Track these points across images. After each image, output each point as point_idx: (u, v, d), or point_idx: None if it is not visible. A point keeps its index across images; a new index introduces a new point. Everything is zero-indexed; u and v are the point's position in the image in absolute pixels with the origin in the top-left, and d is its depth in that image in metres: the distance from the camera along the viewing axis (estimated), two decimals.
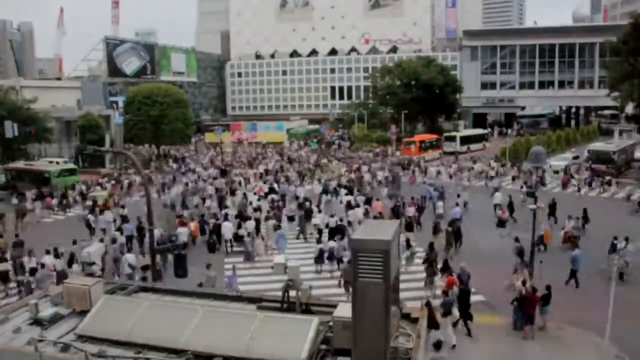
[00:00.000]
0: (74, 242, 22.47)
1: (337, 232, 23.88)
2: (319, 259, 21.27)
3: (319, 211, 28.29)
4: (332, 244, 21.65)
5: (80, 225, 28.37)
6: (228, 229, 24.89)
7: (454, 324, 14.98)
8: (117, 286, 8.56)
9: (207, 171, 46.28)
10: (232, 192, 35.12)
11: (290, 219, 28.06)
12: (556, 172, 41.78)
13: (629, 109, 66.18)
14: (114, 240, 23.14)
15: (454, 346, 14.03)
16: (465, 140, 61.20)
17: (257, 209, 28.37)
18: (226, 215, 26.82)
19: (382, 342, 5.62)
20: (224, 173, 43.84)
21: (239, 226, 25.34)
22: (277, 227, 25.35)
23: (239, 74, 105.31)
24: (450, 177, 42.40)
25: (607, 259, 18.94)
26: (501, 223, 26.29)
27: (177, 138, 61.30)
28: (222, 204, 30.94)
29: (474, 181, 41.00)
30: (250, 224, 25.29)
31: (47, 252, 20.87)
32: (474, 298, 16.64)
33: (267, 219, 26.32)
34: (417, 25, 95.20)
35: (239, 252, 23.92)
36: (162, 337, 6.54)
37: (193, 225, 26.13)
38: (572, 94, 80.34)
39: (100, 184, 42.28)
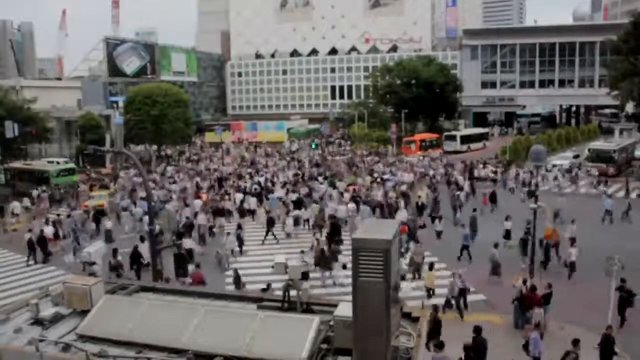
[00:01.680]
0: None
1: (299, 204, 29.60)
2: (297, 223, 27.27)
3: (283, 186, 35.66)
4: (297, 212, 27.77)
5: None
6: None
7: None
8: (117, 286, 8.55)
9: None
10: (220, 212, 29.14)
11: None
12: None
13: (630, 107, 66.04)
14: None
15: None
16: (466, 139, 61.23)
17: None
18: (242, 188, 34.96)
19: (382, 341, 5.62)
20: (220, 182, 40.04)
21: (243, 201, 31.21)
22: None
23: (239, 74, 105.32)
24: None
25: (607, 258, 18.97)
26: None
27: (178, 138, 61.36)
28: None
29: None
30: (252, 201, 31.37)
31: (46, 223, 27.12)
32: (474, 297, 18.12)
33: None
34: (417, 25, 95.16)
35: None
36: (163, 336, 6.53)
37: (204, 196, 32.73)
38: (572, 93, 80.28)
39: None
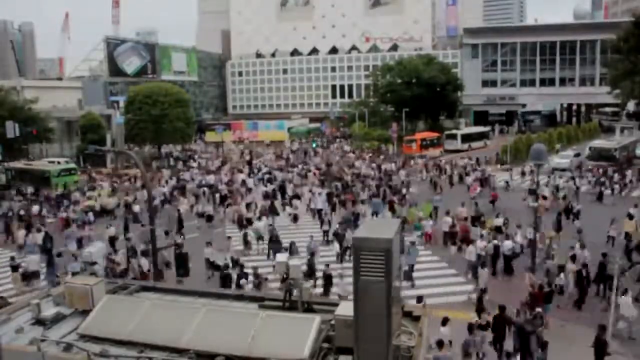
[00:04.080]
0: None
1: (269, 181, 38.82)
2: (266, 197, 32.71)
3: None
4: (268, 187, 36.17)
5: None
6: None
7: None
8: (118, 285, 8.57)
9: None
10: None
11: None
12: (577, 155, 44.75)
13: (630, 106, 66.10)
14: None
15: None
16: (467, 138, 61.15)
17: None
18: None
19: (384, 340, 5.62)
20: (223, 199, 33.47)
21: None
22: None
23: (240, 73, 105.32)
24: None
25: (608, 258, 18.95)
26: None
27: (178, 137, 61.37)
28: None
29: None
30: (250, 181, 38.39)
31: (33, 203, 32.58)
32: (474, 297, 17.48)
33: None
34: (417, 23, 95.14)
35: None
36: (164, 336, 6.54)
37: None
38: (573, 92, 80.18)
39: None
